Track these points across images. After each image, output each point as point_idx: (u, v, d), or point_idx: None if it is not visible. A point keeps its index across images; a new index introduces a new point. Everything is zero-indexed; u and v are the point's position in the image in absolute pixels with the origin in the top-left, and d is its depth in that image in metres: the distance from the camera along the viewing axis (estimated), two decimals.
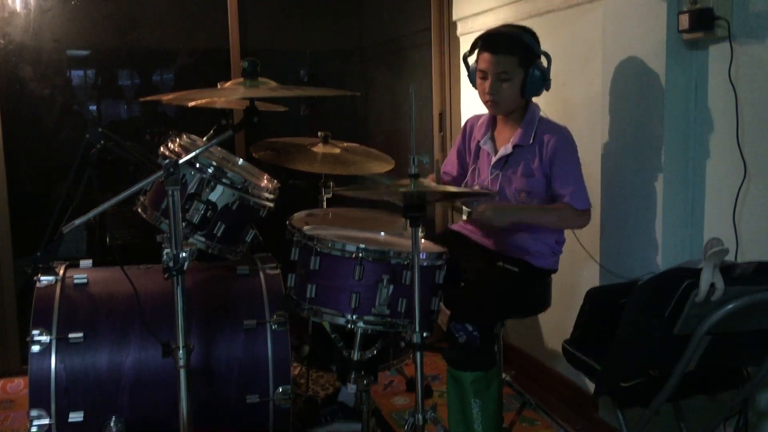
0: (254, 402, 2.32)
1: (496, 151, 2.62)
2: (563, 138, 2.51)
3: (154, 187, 2.37)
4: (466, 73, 2.66)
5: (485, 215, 2.43)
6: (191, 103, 2.66)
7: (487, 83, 2.52)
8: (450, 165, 2.86)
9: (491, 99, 2.53)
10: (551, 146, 2.49)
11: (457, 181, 2.83)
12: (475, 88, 2.61)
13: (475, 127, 2.75)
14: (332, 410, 2.78)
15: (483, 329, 2.33)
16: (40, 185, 3.67)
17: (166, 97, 2.23)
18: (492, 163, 2.62)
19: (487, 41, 2.52)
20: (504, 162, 2.59)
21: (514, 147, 2.55)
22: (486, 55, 2.51)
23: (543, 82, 2.51)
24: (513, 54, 2.47)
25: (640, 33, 2.47)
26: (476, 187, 2.68)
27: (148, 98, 2.22)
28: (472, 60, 2.61)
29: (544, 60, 2.53)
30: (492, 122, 2.69)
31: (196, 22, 3.73)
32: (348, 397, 2.77)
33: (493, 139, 2.67)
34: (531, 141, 2.53)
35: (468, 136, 2.78)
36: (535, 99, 2.65)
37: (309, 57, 4.08)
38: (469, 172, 2.74)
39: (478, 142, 2.69)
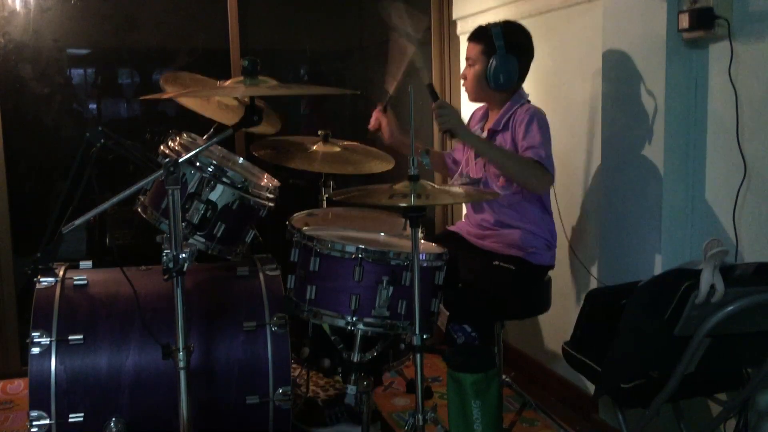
0: (254, 403, 2.32)
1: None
2: (530, 114, 2.55)
3: (154, 187, 2.36)
4: None
5: (444, 113, 2.48)
6: (189, 104, 2.66)
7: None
8: (458, 152, 2.93)
9: (463, 84, 2.73)
10: (518, 122, 2.55)
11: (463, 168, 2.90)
12: None
13: (476, 116, 2.87)
14: (337, 411, 2.77)
15: (481, 330, 2.34)
16: (40, 185, 3.66)
17: (167, 95, 2.22)
18: None
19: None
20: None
21: (490, 132, 2.64)
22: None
23: (500, 72, 2.56)
24: (478, 42, 2.63)
25: (639, 32, 2.47)
26: (467, 175, 2.75)
27: (148, 97, 2.22)
28: None
29: (510, 54, 2.57)
30: (487, 111, 2.80)
31: (196, 22, 3.72)
32: (353, 400, 2.76)
33: (483, 127, 2.77)
34: (501, 126, 2.60)
35: (470, 124, 2.87)
36: (537, 97, 2.67)
37: (309, 56, 4.08)
38: (464, 159, 2.81)
39: (473, 129, 2.78)
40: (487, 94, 2.67)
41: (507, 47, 2.54)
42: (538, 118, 2.53)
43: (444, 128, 2.52)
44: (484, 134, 2.67)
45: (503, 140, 2.58)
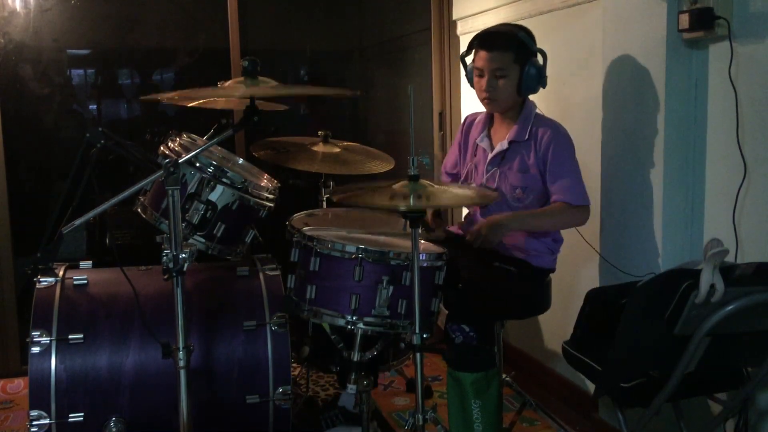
0: (254, 402, 2.32)
1: (492, 149, 2.64)
2: (556, 133, 2.53)
3: (154, 187, 2.37)
4: (464, 72, 2.69)
5: (481, 234, 2.43)
6: (191, 104, 2.66)
7: (484, 81, 2.55)
8: (451, 165, 2.87)
9: (488, 96, 2.57)
10: (544, 141, 2.51)
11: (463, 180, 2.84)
12: (473, 87, 2.63)
13: (472, 125, 2.79)
14: (333, 414, 2.78)
15: (480, 329, 2.33)
16: (40, 185, 3.67)
17: (166, 96, 2.22)
18: (488, 160, 2.63)
19: (482, 39, 2.56)
20: (501, 158, 2.60)
21: (510, 143, 2.58)
22: (482, 53, 2.54)
23: (539, 78, 2.52)
24: (508, 51, 2.50)
25: (640, 32, 2.47)
26: (473, 185, 2.70)
27: (148, 97, 2.20)
28: (469, 59, 2.65)
29: (540, 58, 2.54)
30: (489, 120, 2.72)
31: (196, 22, 3.72)
32: (348, 402, 2.77)
33: (489, 136, 2.69)
34: (527, 137, 2.55)
35: (465, 133, 2.80)
36: (536, 98, 2.66)
37: (309, 57, 4.08)
38: (466, 170, 2.75)
39: (476, 139, 2.72)
40: (515, 102, 2.58)
41: (538, 51, 2.52)
42: (569, 146, 2.53)
43: (495, 243, 2.48)
44: (505, 143, 2.58)
45: (525, 154, 2.54)
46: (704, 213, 2.39)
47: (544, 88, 2.56)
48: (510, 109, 2.61)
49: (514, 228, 2.50)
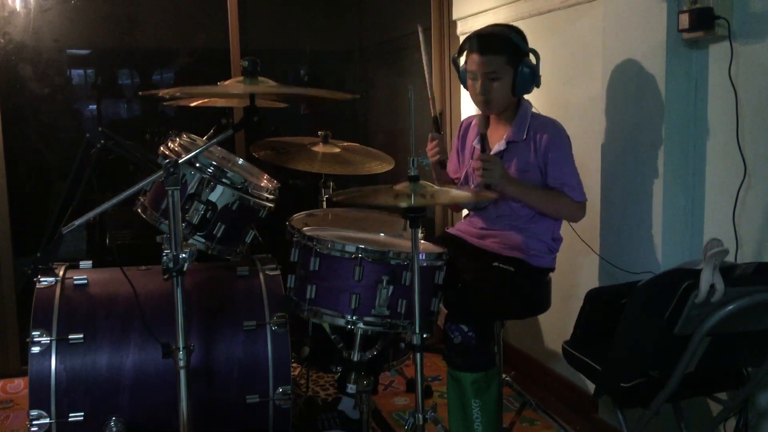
0: (254, 402, 2.32)
1: (489, 150, 2.63)
2: (555, 132, 2.53)
3: (153, 188, 2.37)
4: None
5: (490, 163, 2.41)
6: (191, 104, 2.66)
7: (478, 84, 2.54)
8: (453, 171, 2.86)
9: (483, 99, 2.56)
10: (544, 141, 2.51)
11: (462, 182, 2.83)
12: (467, 89, 2.63)
13: (468, 129, 2.78)
14: (331, 417, 2.78)
15: (479, 329, 2.33)
16: (40, 185, 3.67)
17: (165, 92, 2.18)
18: None
19: (474, 42, 2.54)
20: (499, 158, 2.59)
21: (508, 143, 2.58)
22: (474, 56, 2.53)
23: (533, 78, 2.52)
24: (501, 53, 2.49)
25: (640, 32, 2.47)
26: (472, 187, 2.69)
27: (148, 93, 2.16)
28: (461, 62, 2.64)
29: (533, 58, 2.53)
30: (485, 122, 2.71)
31: (196, 22, 3.73)
32: (348, 407, 2.76)
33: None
34: (524, 136, 2.54)
35: (462, 138, 2.80)
36: (535, 98, 2.65)
37: (309, 57, 4.08)
38: (464, 172, 2.75)
39: (472, 142, 2.72)
40: (509, 103, 2.58)
41: (530, 51, 2.52)
42: (568, 144, 2.52)
43: (486, 183, 2.42)
44: (503, 143, 2.57)
45: (524, 153, 2.54)
46: (704, 213, 2.39)
47: (538, 87, 2.56)
48: (505, 110, 2.61)
49: (513, 191, 2.46)
